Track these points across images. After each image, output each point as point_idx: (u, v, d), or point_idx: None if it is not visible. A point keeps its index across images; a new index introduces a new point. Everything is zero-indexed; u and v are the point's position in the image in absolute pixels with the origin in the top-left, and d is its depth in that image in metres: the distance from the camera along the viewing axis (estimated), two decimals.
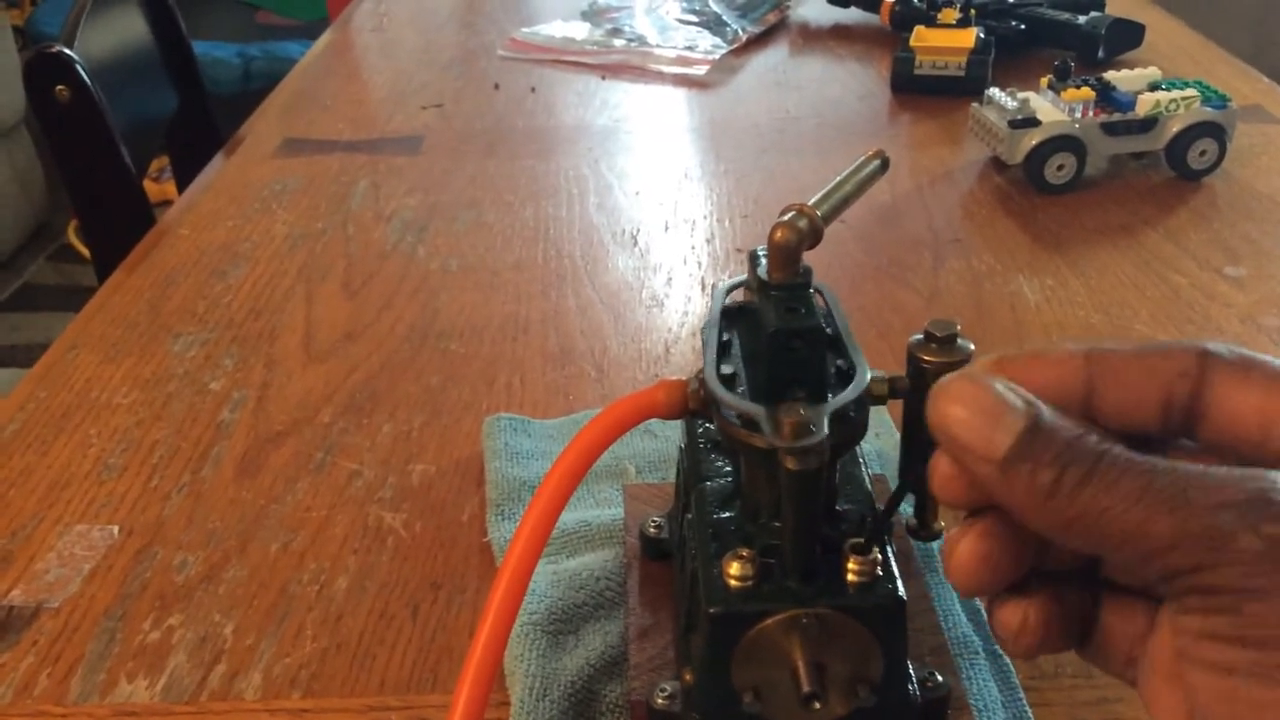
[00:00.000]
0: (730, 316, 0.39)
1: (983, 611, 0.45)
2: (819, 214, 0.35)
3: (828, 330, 0.38)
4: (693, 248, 0.78)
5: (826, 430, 0.32)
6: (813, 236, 0.35)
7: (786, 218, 0.35)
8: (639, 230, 0.81)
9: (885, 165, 0.39)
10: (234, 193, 0.88)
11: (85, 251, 2.27)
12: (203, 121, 1.25)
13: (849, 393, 0.34)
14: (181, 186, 1.14)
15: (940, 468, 0.30)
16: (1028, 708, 0.41)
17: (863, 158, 0.39)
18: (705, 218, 0.82)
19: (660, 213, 0.83)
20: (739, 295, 0.41)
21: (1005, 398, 0.28)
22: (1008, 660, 0.42)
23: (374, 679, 0.45)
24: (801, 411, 0.32)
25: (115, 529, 0.53)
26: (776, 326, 0.34)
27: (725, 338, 0.38)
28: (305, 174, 0.91)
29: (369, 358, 0.66)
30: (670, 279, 0.74)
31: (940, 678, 0.37)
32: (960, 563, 0.30)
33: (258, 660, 0.46)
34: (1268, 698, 0.23)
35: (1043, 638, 0.30)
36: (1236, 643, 0.24)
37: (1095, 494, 0.26)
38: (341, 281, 0.75)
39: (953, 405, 0.29)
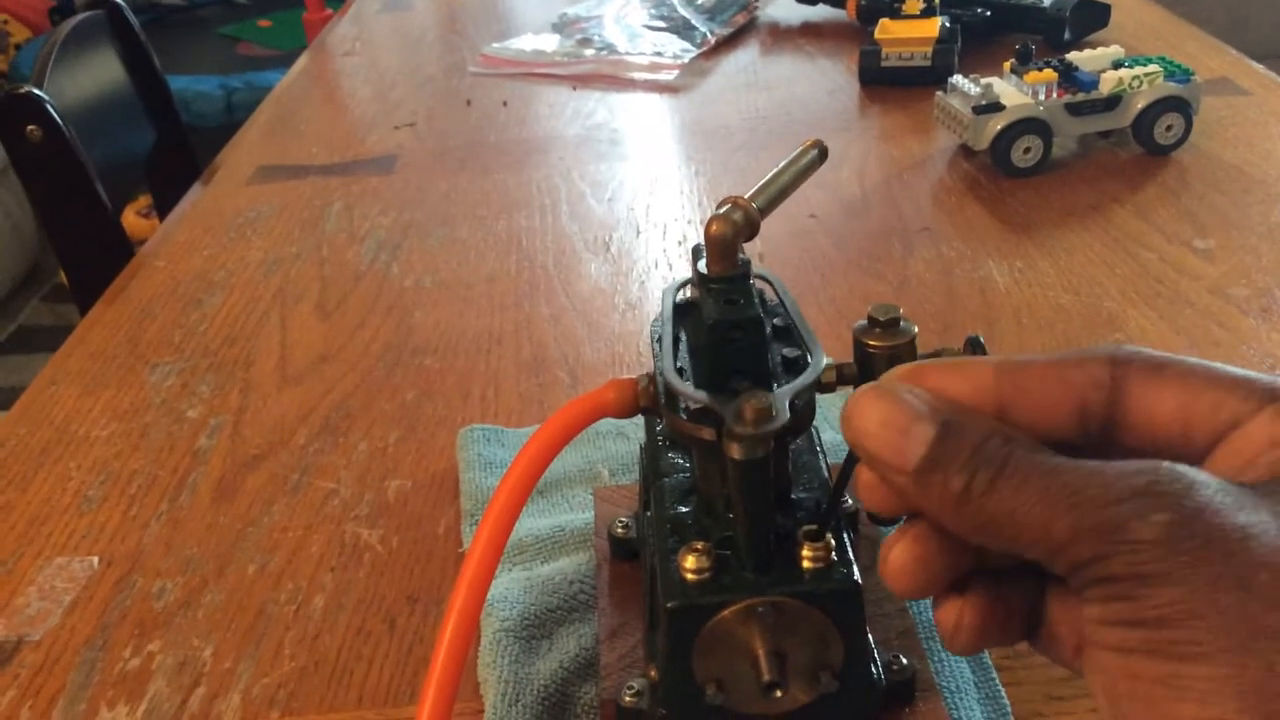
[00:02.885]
0: (680, 313, 0.40)
1: None
2: (755, 206, 0.36)
3: (775, 321, 0.38)
4: (665, 251, 0.78)
5: (787, 414, 0.32)
6: (749, 229, 0.35)
7: (722, 211, 0.35)
8: (611, 236, 0.81)
9: (823, 155, 0.39)
10: (209, 222, 0.89)
11: None
12: (181, 154, 1.26)
13: (806, 378, 0.34)
14: (163, 220, 1.14)
15: (863, 477, 0.31)
16: (1000, 687, 0.41)
17: (801, 148, 0.39)
18: (677, 220, 0.83)
19: (632, 218, 0.84)
20: (690, 291, 0.41)
21: (914, 409, 0.29)
22: None
23: (352, 694, 0.45)
24: (763, 398, 0.32)
25: (95, 560, 0.53)
26: (715, 319, 0.34)
27: (677, 334, 0.39)
28: (279, 200, 0.92)
29: (344, 377, 0.66)
30: (643, 283, 0.74)
31: (905, 660, 0.37)
32: (894, 569, 0.30)
33: (236, 682, 0.46)
34: (1163, 671, 0.24)
35: (980, 636, 0.30)
36: (1134, 625, 0.25)
37: (1002, 498, 0.27)
38: (316, 304, 0.75)
39: (863, 420, 0.29)
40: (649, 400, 0.37)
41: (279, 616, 0.49)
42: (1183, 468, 0.26)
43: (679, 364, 0.37)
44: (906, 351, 0.37)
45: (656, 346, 0.38)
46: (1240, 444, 0.28)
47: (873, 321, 0.36)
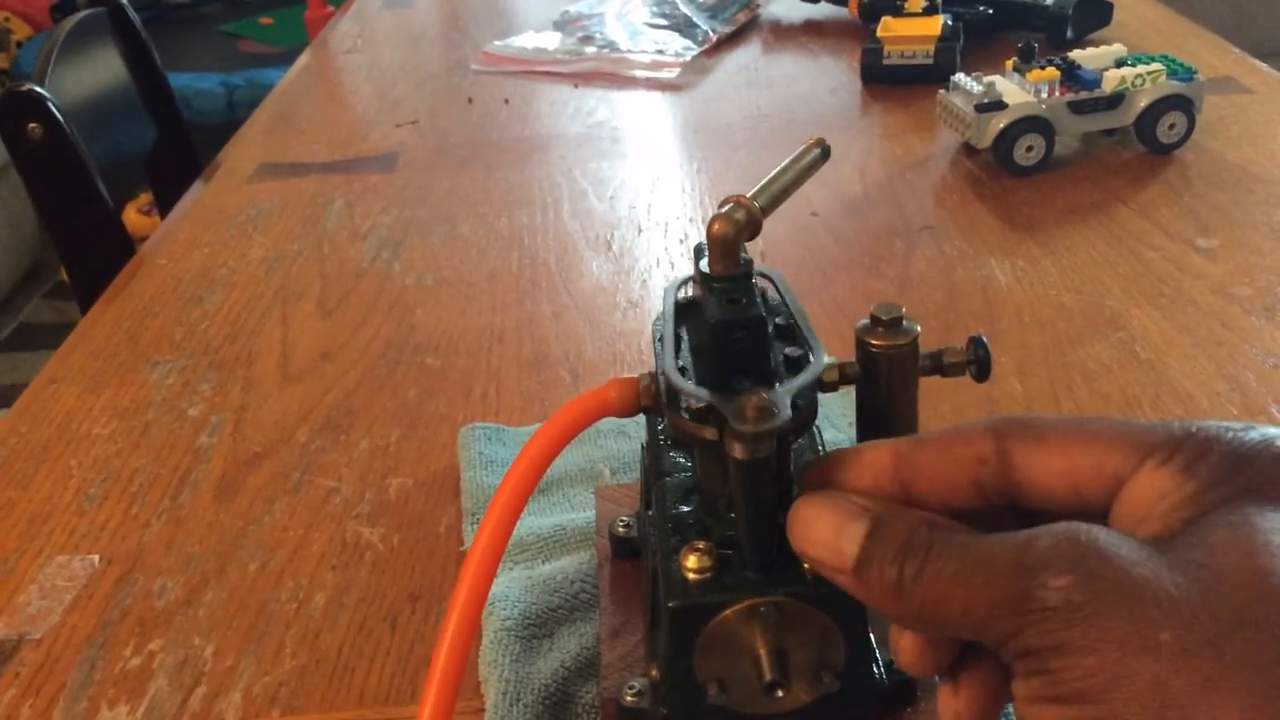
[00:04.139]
0: (682, 311, 0.40)
1: None
2: (757, 205, 0.36)
3: (777, 320, 0.38)
4: (666, 249, 0.78)
5: (789, 412, 0.32)
6: (751, 228, 0.35)
7: (724, 210, 0.35)
8: (613, 234, 0.81)
9: (826, 153, 0.39)
10: (210, 219, 0.89)
11: None
12: (183, 152, 1.26)
13: (806, 376, 0.34)
14: (164, 217, 1.14)
15: None
16: None
17: (803, 146, 0.39)
18: (679, 219, 0.83)
19: (634, 216, 0.84)
20: (691, 290, 0.41)
21: (845, 511, 0.30)
22: None
23: (353, 693, 0.45)
24: (764, 396, 0.32)
25: (96, 558, 0.53)
26: (718, 318, 0.34)
27: (678, 332, 0.39)
28: (281, 197, 0.92)
29: (345, 375, 0.66)
30: (645, 281, 0.74)
31: None
32: (905, 659, 0.32)
33: (238, 680, 0.46)
34: None
35: (985, 716, 0.31)
36: (1053, 701, 0.25)
37: (929, 583, 0.27)
38: (317, 301, 0.75)
39: (802, 527, 0.31)
40: (651, 399, 0.37)
41: (280, 615, 0.49)
42: (1083, 526, 0.26)
43: (680, 363, 0.37)
44: (909, 351, 0.37)
45: (658, 345, 0.38)
46: (1131, 501, 0.28)
47: (875, 320, 0.36)
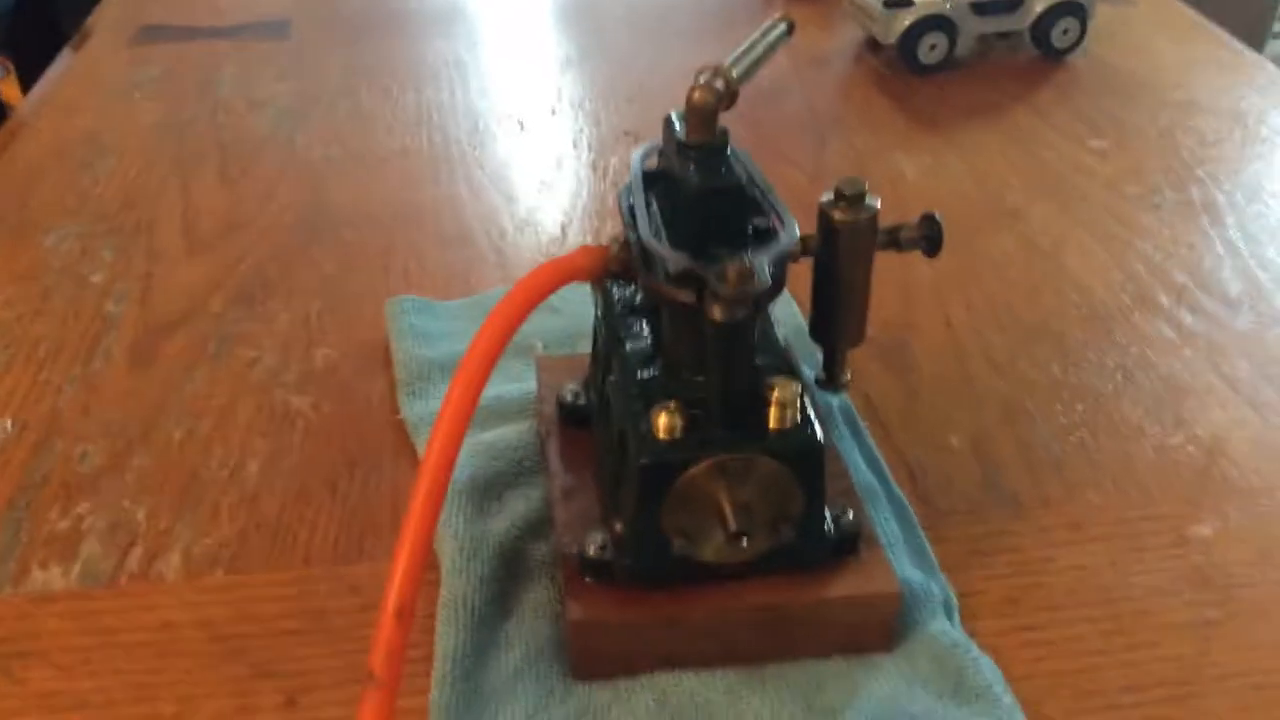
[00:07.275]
0: (646, 181, 0.40)
1: (880, 458, 0.47)
2: (734, 75, 0.36)
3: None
4: (581, 130, 0.78)
5: (769, 278, 0.33)
6: (729, 98, 0.36)
7: (703, 79, 0.36)
8: (525, 115, 0.80)
9: (791, 29, 0.39)
10: (90, 83, 0.84)
11: None
12: (43, 16, 1.18)
13: (784, 243, 0.35)
14: (25, 85, 1.08)
15: None
16: (926, 542, 0.44)
17: (769, 22, 0.39)
18: (591, 101, 0.82)
19: (545, 97, 0.83)
20: (651, 161, 0.41)
21: None
22: (905, 501, 0.45)
23: (298, 554, 0.45)
24: (745, 261, 0.33)
25: (8, 423, 0.52)
26: (699, 186, 0.35)
27: (648, 201, 0.39)
28: (166, 62, 0.87)
29: (256, 246, 0.65)
30: (560, 162, 0.74)
31: (851, 515, 0.40)
32: None
33: (175, 542, 0.45)
34: None
35: None
36: None
37: None
38: (218, 171, 0.72)
39: None
40: (620, 265, 0.38)
41: (213, 480, 0.48)
42: None
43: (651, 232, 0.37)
44: (869, 225, 0.39)
45: (629, 213, 0.38)
46: None
47: (839, 195, 0.38)
